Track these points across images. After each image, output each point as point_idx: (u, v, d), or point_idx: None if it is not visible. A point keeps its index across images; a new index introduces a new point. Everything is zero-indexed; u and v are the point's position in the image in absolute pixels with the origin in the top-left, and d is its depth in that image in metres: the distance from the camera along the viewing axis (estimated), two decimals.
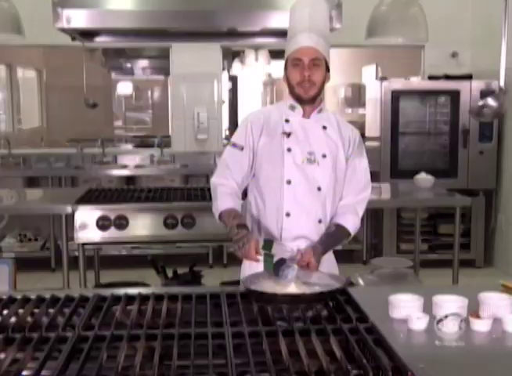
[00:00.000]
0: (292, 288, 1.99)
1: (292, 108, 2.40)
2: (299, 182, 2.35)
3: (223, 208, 2.31)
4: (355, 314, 1.83)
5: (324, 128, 2.40)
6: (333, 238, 2.40)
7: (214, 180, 2.43)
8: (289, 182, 2.34)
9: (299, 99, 2.36)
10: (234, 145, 2.42)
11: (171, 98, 6.62)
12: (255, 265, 2.25)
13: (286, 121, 2.39)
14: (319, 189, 2.35)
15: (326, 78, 2.35)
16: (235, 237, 2.20)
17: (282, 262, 2.09)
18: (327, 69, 2.35)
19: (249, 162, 2.40)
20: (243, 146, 2.39)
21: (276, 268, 2.09)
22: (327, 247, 2.36)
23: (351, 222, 2.41)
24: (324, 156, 2.36)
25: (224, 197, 2.35)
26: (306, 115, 2.40)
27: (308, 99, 2.34)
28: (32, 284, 5.01)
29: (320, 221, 2.38)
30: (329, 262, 2.44)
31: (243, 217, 2.34)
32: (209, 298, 1.96)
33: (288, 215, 2.35)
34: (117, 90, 11.02)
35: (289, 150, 2.34)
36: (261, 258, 2.16)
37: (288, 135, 2.36)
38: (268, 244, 2.22)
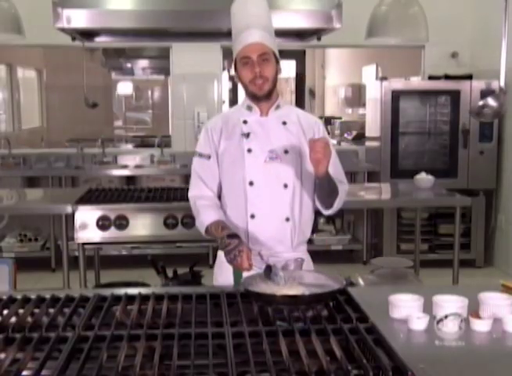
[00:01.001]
0: (291, 290, 1.98)
1: (249, 108, 2.37)
2: (262, 182, 2.31)
3: (209, 222, 2.29)
4: (355, 314, 1.82)
5: (284, 123, 2.37)
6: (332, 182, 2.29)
7: (190, 194, 2.42)
8: (251, 183, 2.31)
9: (255, 97, 2.33)
10: (200, 155, 2.39)
11: (171, 98, 6.62)
12: (226, 269, 2.28)
13: (244, 122, 2.36)
14: (286, 186, 2.32)
15: (277, 71, 2.33)
16: (226, 248, 2.18)
17: (269, 269, 2.08)
18: (277, 61, 2.32)
19: (219, 169, 2.38)
20: (209, 155, 2.37)
21: (265, 275, 2.08)
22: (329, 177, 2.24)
23: (340, 191, 2.34)
24: (286, 151, 2.32)
25: (207, 211, 2.33)
26: (264, 113, 2.37)
27: (263, 95, 2.31)
28: (32, 284, 5.01)
29: (288, 219, 2.34)
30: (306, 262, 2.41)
31: (230, 227, 2.29)
32: (209, 298, 1.96)
33: (253, 216, 2.32)
34: (117, 90, 11.03)
35: (249, 150, 2.32)
36: (254, 268, 2.14)
37: (247, 135, 2.33)
38: None
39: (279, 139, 2.34)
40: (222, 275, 2.34)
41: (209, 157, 2.37)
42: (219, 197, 2.41)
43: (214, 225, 2.28)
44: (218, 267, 2.43)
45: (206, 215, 2.32)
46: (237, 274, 2.25)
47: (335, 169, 2.36)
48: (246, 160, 2.31)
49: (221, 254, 2.40)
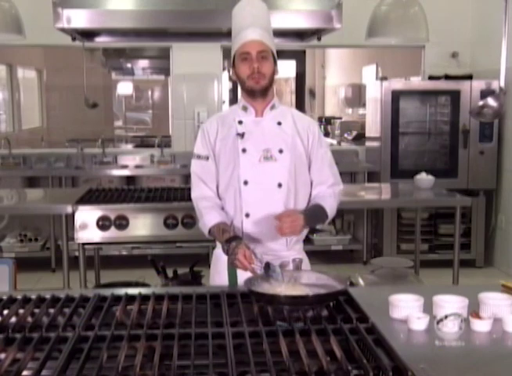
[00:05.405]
0: (295, 290, 1.98)
1: (244, 109, 2.39)
2: (257, 181, 2.33)
3: (211, 224, 2.32)
4: (355, 314, 1.83)
5: (279, 123, 2.39)
6: (314, 213, 2.38)
7: (193, 196, 2.44)
8: (246, 182, 2.33)
9: (251, 93, 2.34)
10: (199, 157, 2.41)
11: (171, 98, 6.62)
12: (222, 269, 2.32)
13: (239, 122, 2.38)
14: (280, 185, 2.34)
15: (274, 71, 2.35)
16: (227, 253, 2.22)
17: (268, 266, 2.08)
18: (275, 62, 2.34)
19: (216, 169, 2.40)
20: (207, 156, 2.39)
21: (265, 273, 2.08)
22: (309, 218, 2.32)
23: (329, 205, 2.40)
24: (281, 151, 2.34)
25: (208, 213, 2.35)
26: (259, 114, 2.39)
27: (260, 89, 2.32)
28: (32, 284, 5.01)
29: None
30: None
31: (231, 228, 2.31)
32: (209, 298, 1.96)
33: (247, 215, 2.34)
34: (117, 90, 11.03)
35: (244, 150, 2.34)
36: (255, 266, 2.13)
37: (242, 135, 2.35)
38: None
39: (273, 138, 2.36)
40: (219, 274, 2.37)
41: (207, 158, 2.40)
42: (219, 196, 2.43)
43: (215, 227, 2.31)
44: (214, 266, 2.46)
45: (208, 217, 2.35)
46: (232, 273, 2.27)
47: (331, 170, 2.46)
48: (241, 160, 2.33)
49: (216, 253, 2.46)
